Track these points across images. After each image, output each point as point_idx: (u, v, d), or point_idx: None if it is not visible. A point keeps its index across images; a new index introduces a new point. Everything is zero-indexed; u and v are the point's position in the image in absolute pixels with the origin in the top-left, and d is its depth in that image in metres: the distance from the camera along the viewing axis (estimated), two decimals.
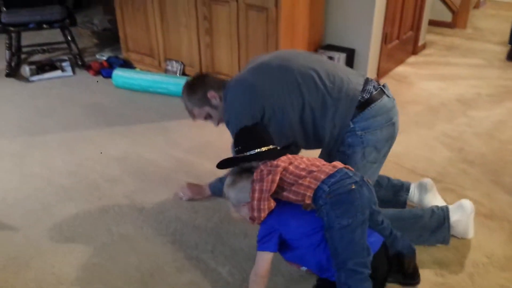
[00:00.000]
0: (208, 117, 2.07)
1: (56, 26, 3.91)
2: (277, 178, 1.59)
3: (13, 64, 3.99)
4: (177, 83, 3.41)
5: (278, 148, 1.76)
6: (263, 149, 1.72)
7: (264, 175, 1.61)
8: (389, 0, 3.42)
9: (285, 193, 1.61)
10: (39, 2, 3.98)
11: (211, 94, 1.99)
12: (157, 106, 3.37)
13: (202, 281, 1.85)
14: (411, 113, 3.21)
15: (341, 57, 3.39)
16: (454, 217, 1.97)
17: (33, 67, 3.96)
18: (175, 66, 3.72)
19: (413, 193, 2.17)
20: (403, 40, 4.00)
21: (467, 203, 1.99)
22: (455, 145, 2.79)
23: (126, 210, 2.27)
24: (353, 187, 1.53)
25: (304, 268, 1.70)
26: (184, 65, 3.70)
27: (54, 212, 2.28)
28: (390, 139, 1.95)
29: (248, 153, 1.72)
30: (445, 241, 1.98)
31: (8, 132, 3.06)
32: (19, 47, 4.04)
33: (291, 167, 1.63)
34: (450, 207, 2.01)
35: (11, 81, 3.86)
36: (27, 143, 2.92)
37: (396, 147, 2.76)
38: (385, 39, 3.60)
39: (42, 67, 3.98)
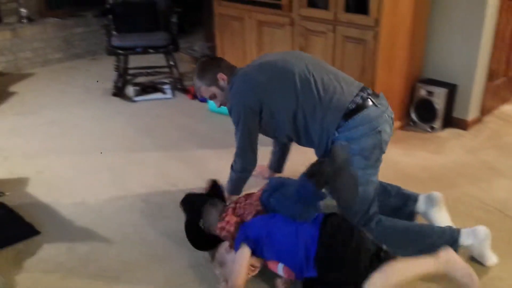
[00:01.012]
0: (213, 97, 2.28)
1: (161, 51, 4.16)
2: (230, 214, 1.99)
3: (119, 84, 4.29)
4: None
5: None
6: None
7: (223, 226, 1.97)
8: (496, 34, 3.23)
9: (245, 217, 1.96)
10: (146, 28, 4.27)
11: (221, 76, 2.20)
12: None
13: None
14: None
15: (441, 92, 3.24)
16: (466, 242, 1.95)
17: (138, 88, 4.23)
18: None
19: (421, 204, 2.19)
20: (510, 78, 3.74)
21: (481, 230, 1.95)
22: None
23: None
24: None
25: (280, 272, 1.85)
26: None
27: (147, 229, 2.37)
28: (378, 147, 1.99)
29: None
30: None
31: (109, 147, 3.27)
32: (126, 69, 4.34)
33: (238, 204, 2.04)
34: (463, 230, 1.97)
35: (117, 100, 4.15)
36: (125, 159, 3.10)
37: (501, 193, 2.58)
38: (491, 76, 3.38)
39: (145, 89, 4.25)
